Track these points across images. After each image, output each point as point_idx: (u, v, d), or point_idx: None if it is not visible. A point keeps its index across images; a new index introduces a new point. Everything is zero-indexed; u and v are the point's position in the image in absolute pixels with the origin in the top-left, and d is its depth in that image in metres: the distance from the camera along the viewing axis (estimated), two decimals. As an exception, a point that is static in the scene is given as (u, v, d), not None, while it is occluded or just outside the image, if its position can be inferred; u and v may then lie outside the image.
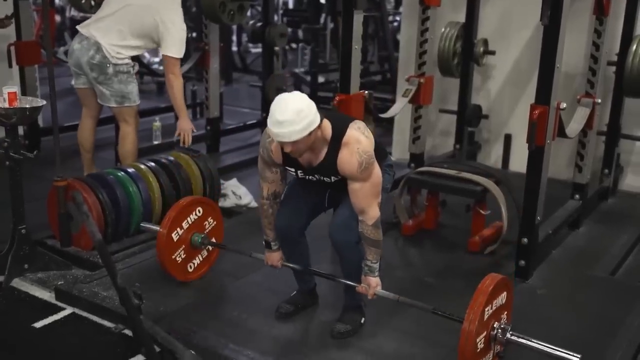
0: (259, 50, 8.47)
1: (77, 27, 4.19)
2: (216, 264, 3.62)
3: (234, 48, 11.10)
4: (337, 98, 3.93)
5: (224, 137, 6.13)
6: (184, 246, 3.33)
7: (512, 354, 2.70)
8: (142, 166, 3.95)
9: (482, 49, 5.42)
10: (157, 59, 9.55)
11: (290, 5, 12.66)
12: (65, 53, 4.67)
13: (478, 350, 2.49)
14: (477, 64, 5.46)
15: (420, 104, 4.84)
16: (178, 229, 3.30)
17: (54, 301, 3.30)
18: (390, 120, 5.17)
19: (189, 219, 3.33)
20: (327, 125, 2.67)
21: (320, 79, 8.48)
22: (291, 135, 2.50)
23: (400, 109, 4.73)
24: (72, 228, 3.64)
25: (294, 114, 2.48)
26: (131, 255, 3.72)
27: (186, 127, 4.24)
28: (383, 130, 5.94)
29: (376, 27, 9.28)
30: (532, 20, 4.36)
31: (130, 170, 3.89)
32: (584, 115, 4.23)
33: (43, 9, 3.53)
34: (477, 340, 2.47)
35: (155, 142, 5.78)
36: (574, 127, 4.11)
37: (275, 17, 9.19)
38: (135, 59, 4.28)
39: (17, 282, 3.43)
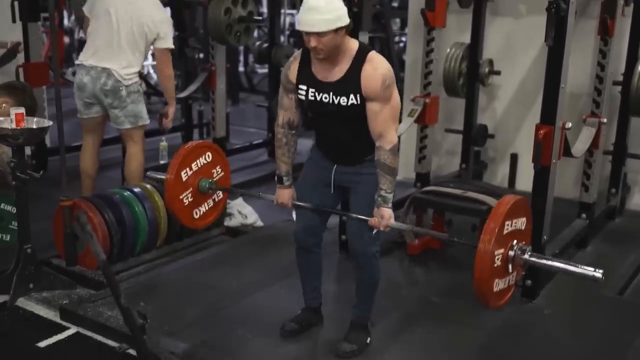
0: (266, 70, 8.52)
1: (78, 62, 4.24)
2: (220, 283, 3.61)
3: (241, 68, 11.17)
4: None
5: (230, 156, 6.11)
6: (191, 189, 3.24)
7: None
8: (148, 186, 3.96)
9: (487, 69, 5.44)
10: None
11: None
12: (74, 73, 4.72)
13: (495, 265, 2.39)
14: (483, 84, 5.47)
15: (426, 123, 4.85)
16: (187, 169, 3.21)
17: (58, 320, 3.29)
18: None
19: (198, 161, 3.25)
20: (353, 40, 2.68)
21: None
22: (320, 23, 2.51)
23: (406, 129, 4.74)
24: (78, 247, 3.64)
25: (326, 2, 2.52)
26: (136, 275, 3.72)
27: (171, 113, 4.53)
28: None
29: (382, 47, 9.32)
30: (537, 40, 4.38)
31: (136, 189, 3.90)
32: (589, 135, 4.23)
33: (51, 30, 3.57)
34: (496, 254, 2.37)
35: (162, 162, 5.80)
36: (579, 146, 4.10)
37: (282, 38, 9.25)
38: (142, 78, 4.32)
39: (22, 302, 3.43)
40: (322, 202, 2.93)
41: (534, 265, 2.49)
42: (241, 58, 11.42)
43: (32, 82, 5.34)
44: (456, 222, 4.38)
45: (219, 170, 3.37)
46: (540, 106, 3.41)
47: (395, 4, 9.47)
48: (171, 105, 4.52)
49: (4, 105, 3.77)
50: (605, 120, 4.31)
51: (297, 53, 2.82)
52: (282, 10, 9.68)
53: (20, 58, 5.40)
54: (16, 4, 5.19)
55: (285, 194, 2.98)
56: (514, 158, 5.60)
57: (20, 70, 5.30)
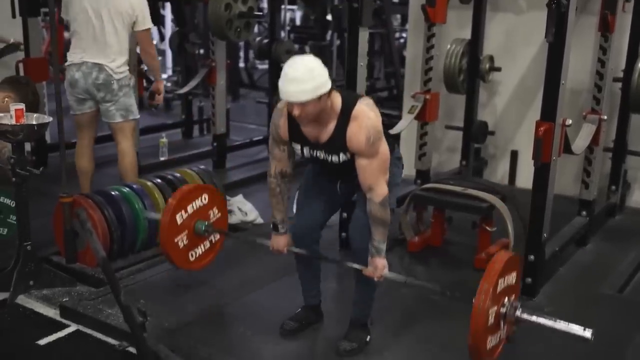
0: (266, 66, 8.51)
1: (67, 63, 4.20)
2: (220, 281, 3.61)
3: (241, 64, 11.16)
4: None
5: (230, 153, 6.14)
6: (187, 231, 3.24)
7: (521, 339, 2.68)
8: (148, 182, 3.96)
9: (487, 66, 5.43)
10: (164, 76, 9.61)
11: (297, 22, 12.73)
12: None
13: (489, 324, 2.42)
14: (483, 80, 5.46)
15: (426, 120, 4.84)
16: (182, 212, 3.21)
17: (58, 318, 3.29)
18: (397, 136, 5.17)
19: (194, 204, 3.25)
20: (338, 97, 2.66)
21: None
22: (301, 94, 2.50)
23: (406, 126, 4.73)
24: (78, 245, 3.64)
25: (306, 72, 2.49)
26: (136, 272, 3.72)
27: (162, 89, 4.59)
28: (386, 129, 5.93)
29: (382, 43, 9.31)
30: (538, 36, 4.36)
31: (136, 186, 3.89)
32: (590, 131, 4.22)
33: (51, 26, 3.56)
34: (490, 312, 2.40)
35: (162, 159, 5.80)
36: (580, 143, 4.09)
37: (282, 34, 9.24)
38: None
39: (22, 299, 3.43)
40: (327, 199, 2.95)
41: (525, 322, 2.56)
42: (241, 54, 11.41)
43: (32, 77, 5.33)
44: (456, 219, 4.38)
45: (216, 211, 3.37)
46: (541, 103, 3.40)
47: (395, 0, 9.45)
48: (159, 81, 4.61)
49: (6, 99, 3.76)
50: (605, 117, 4.30)
51: (282, 106, 2.76)
52: (283, 6, 9.65)
53: (20, 54, 5.39)
54: (16, -1, 5.18)
55: (281, 241, 3.01)
56: (514, 155, 5.60)
57: (21, 65, 5.29)
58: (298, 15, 12.96)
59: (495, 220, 3.97)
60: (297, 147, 2.80)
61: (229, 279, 3.67)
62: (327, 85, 2.55)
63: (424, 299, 3.57)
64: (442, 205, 4.19)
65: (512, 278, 2.56)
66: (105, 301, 3.32)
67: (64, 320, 3.27)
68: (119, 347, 3.00)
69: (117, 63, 4.12)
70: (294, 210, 3.08)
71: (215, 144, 5.94)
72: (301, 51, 10.25)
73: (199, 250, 3.36)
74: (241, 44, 10.75)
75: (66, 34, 10.10)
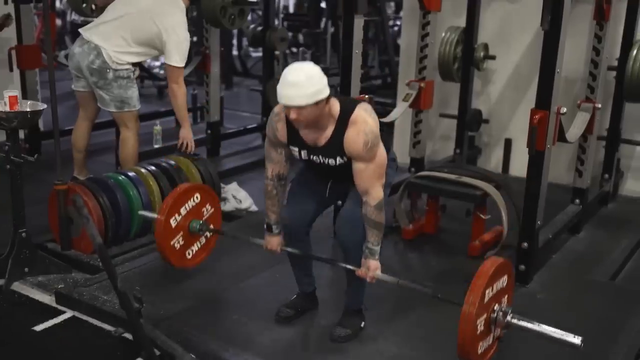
0: (260, 54, 8.49)
1: (80, 29, 4.18)
2: (215, 267, 3.62)
3: (235, 52, 11.12)
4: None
5: (224, 141, 6.13)
6: (182, 232, 3.30)
7: (513, 340, 2.70)
8: (143, 170, 3.95)
9: (482, 54, 5.43)
10: (157, 63, 9.57)
11: (291, 10, 12.68)
12: (66, 57, 4.68)
13: (478, 332, 2.46)
14: (478, 68, 5.47)
15: (421, 108, 4.84)
16: (176, 215, 3.27)
17: (54, 304, 3.30)
18: (391, 124, 5.17)
19: (187, 205, 3.31)
20: (336, 103, 2.70)
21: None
22: (299, 98, 2.53)
23: (400, 114, 4.74)
24: (73, 231, 3.64)
25: (305, 78, 2.53)
26: (131, 259, 3.72)
27: (188, 136, 4.23)
28: (383, 134, 5.93)
29: (377, 31, 9.29)
30: (533, 25, 4.37)
31: (131, 174, 3.89)
32: (584, 120, 4.24)
33: (44, 12, 3.54)
34: (477, 322, 2.43)
35: (156, 146, 5.78)
36: (574, 132, 4.11)
37: (276, 22, 9.20)
38: (136, 63, 4.27)
39: (17, 286, 3.43)
40: (319, 198, 2.98)
41: (516, 327, 2.58)
42: (235, 42, 11.36)
43: (25, 65, 5.32)
44: (450, 206, 4.39)
45: (209, 207, 3.43)
46: (535, 91, 3.41)
47: (390, -12, 9.43)
48: (184, 128, 4.23)
49: None
50: (599, 105, 4.31)
51: (279, 110, 2.78)
52: (276, -7, 9.62)
53: (13, 41, 5.35)
54: (8, -15, 5.14)
55: (274, 241, 3.05)
56: (508, 143, 5.62)
57: (13, 52, 5.25)
58: (292, 3, 12.91)
59: (489, 208, 3.99)
60: (295, 150, 2.83)
61: (225, 266, 3.67)
62: (325, 92, 2.58)
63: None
64: (436, 193, 4.20)
65: (502, 282, 2.59)
66: (101, 287, 3.33)
67: (59, 307, 3.28)
68: (115, 333, 3.01)
69: (119, 55, 4.02)
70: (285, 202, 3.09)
71: (209, 131, 5.93)
72: (295, 39, 10.25)
73: (195, 247, 3.42)
74: (235, 31, 10.70)
75: (58, 22, 10.08)
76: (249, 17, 7.46)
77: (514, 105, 5.55)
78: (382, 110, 6.13)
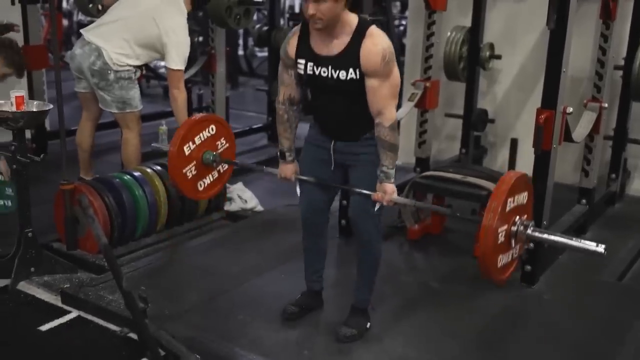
0: (265, 54, 8.48)
1: (81, 30, 4.19)
2: (220, 267, 3.62)
3: (240, 52, 11.12)
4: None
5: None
6: (195, 162, 3.27)
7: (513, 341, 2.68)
8: (148, 170, 3.96)
9: (488, 53, 5.42)
10: (162, 63, 9.56)
11: (297, 9, 12.68)
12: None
13: (499, 242, 2.42)
14: (483, 68, 5.45)
15: (426, 108, 4.83)
16: (190, 144, 3.23)
17: (59, 304, 3.30)
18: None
19: (201, 135, 3.28)
20: (354, 16, 2.67)
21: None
22: None
23: (406, 113, 4.72)
24: (78, 231, 3.65)
25: None
26: (137, 259, 3.73)
27: None
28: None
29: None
30: (539, 24, 4.35)
31: (137, 173, 3.89)
32: (590, 119, 4.22)
33: (51, 13, 3.55)
34: (499, 231, 2.39)
35: (155, 145, 5.76)
36: (580, 131, 4.09)
37: (282, 21, 9.20)
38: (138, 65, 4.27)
39: (23, 285, 3.44)
40: (323, 179, 2.95)
41: (536, 240, 2.53)
42: (241, 41, 11.37)
43: (32, 65, 5.33)
44: (456, 207, 4.37)
45: (224, 142, 3.39)
46: (541, 90, 3.40)
47: (395, -13, 9.41)
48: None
49: None
50: (606, 104, 4.29)
51: (297, 27, 2.82)
52: (282, -7, 9.62)
53: (20, 41, 5.35)
54: (15, -14, 5.16)
55: (288, 169, 3.02)
56: (514, 143, 5.57)
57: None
58: (297, 3, 12.90)
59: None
60: (302, 63, 2.77)
61: (229, 266, 3.68)
62: None
63: (424, 286, 3.59)
64: (441, 193, 4.19)
65: (522, 197, 2.53)
66: (106, 287, 3.33)
67: (65, 307, 3.28)
68: (120, 333, 3.01)
69: (120, 57, 4.01)
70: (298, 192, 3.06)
71: (215, 131, 5.92)
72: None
73: (207, 180, 3.39)
74: (240, 31, 10.71)
75: (65, 22, 10.12)
76: (255, 17, 7.47)
77: (519, 104, 5.53)
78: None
